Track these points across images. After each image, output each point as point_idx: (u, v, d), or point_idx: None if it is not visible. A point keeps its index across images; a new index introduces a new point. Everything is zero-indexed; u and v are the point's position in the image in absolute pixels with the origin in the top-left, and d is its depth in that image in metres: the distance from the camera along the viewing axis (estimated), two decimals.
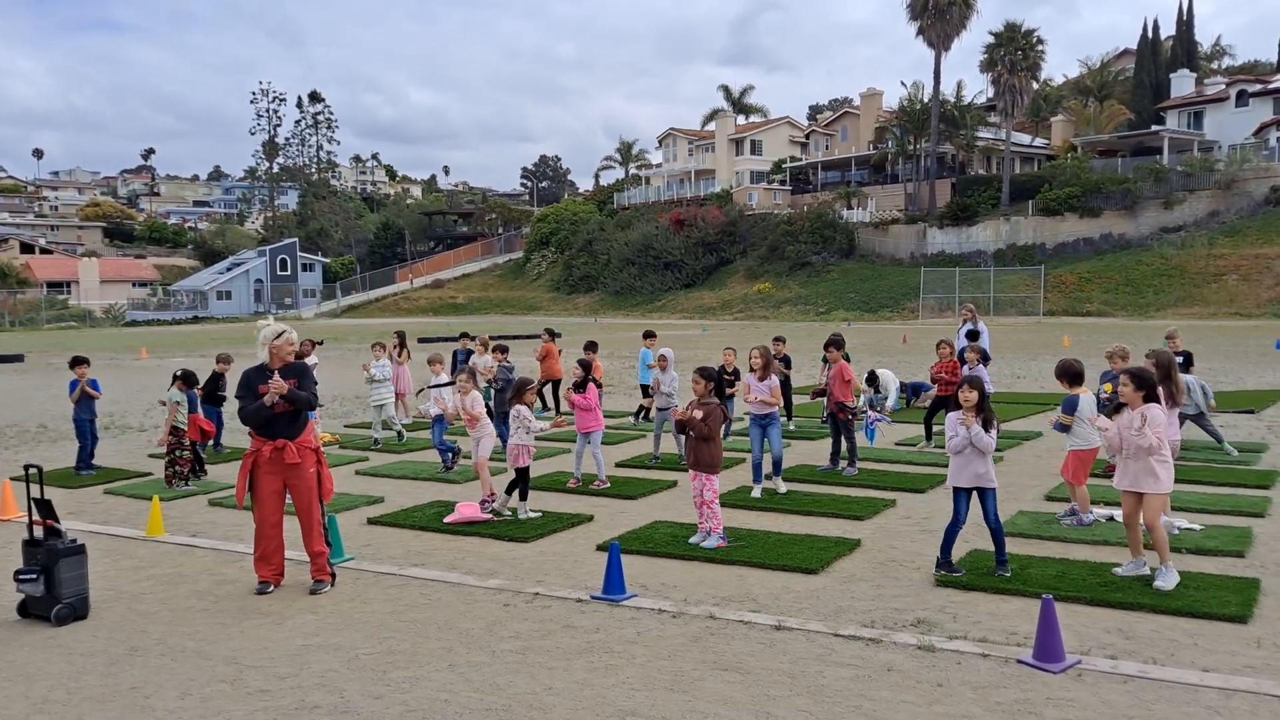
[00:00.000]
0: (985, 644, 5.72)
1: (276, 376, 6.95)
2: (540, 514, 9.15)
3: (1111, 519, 8.57)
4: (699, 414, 8.01)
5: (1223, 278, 49.29)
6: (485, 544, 8.34)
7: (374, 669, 5.55)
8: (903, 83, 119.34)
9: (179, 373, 11.39)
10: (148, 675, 5.52)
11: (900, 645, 5.74)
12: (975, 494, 7.03)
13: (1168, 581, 6.57)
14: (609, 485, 10.48)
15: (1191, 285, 49.73)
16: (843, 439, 11.02)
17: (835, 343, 11.38)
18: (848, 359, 11.69)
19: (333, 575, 7.17)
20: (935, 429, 12.53)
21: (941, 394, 12.31)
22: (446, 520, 8.98)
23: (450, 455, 11.63)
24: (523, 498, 9.14)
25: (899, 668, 5.41)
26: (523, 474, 9.09)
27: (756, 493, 9.82)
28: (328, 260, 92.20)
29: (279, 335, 7.15)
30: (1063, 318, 48.83)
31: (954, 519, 7.07)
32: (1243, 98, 62.19)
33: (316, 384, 7.44)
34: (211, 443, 12.78)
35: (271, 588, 7.12)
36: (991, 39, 60.60)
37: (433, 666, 5.56)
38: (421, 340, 38.65)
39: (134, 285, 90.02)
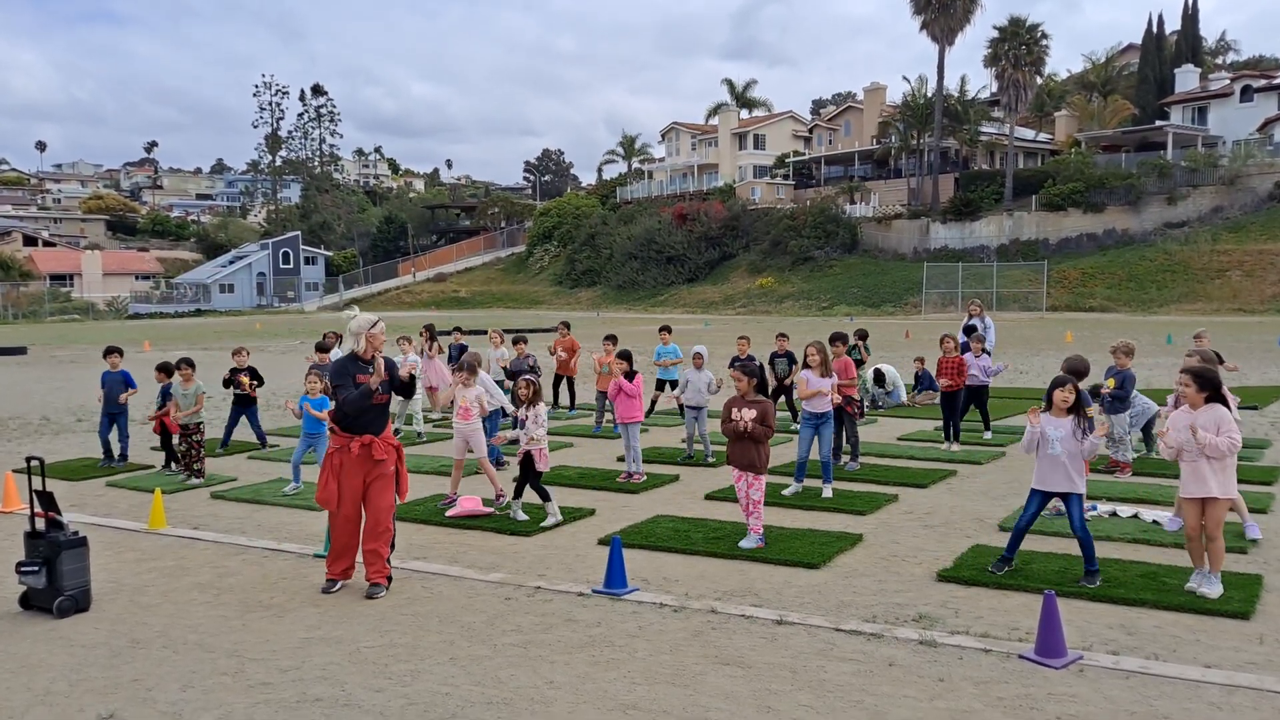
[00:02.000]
0: (987, 639, 5.72)
1: (379, 361, 6.77)
2: (528, 518, 8.76)
3: (1114, 514, 8.56)
4: (752, 413, 7.66)
5: (1226, 274, 49.19)
6: (486, 538, 8.34)
7: (375, 662, 5.55)
8: (905, 78, 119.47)
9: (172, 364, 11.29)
10: (149, 667, 5.53)
11: (902, 640, 5.74)
12: (1059, 498, 6.80)
13: (1213, 589, 6.29)
14: (645, 479, 10.41)
15: (1195, 281, 49.64)
16: (845, 433, 11.00)
17: (840, 337, 11.38)
18: (868, 351, 11.83)
19: (389, 578, 6.91)
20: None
21: (946, 390, 12.23)
22: (448, 514, 8.97)
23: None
24: (516, 495, 8.86)
25: (900, 663, 5.40)
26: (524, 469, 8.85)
27: (791, 490, 9.69)
28: (330, 254, 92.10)
29: (374, 325, 6.92)
30: (1066, 313, 48.77)
31: (1025, 518, 6.88)
32: (1247, 93, 61.98)
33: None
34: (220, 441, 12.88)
35: (339, 585, 6.90)
36: (995, 33, 60.42)
37: (434, 660, 5.57)
38: None
39: (136, 278, 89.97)
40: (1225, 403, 6.47)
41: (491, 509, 9.08)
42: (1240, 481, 9.85)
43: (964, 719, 4.70)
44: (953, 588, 6.73)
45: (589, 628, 6.05)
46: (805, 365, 9.86)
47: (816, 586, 6.82)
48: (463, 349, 15.67)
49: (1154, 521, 8.23)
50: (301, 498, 9.80)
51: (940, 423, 12.55)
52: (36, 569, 6.37)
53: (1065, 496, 6.73)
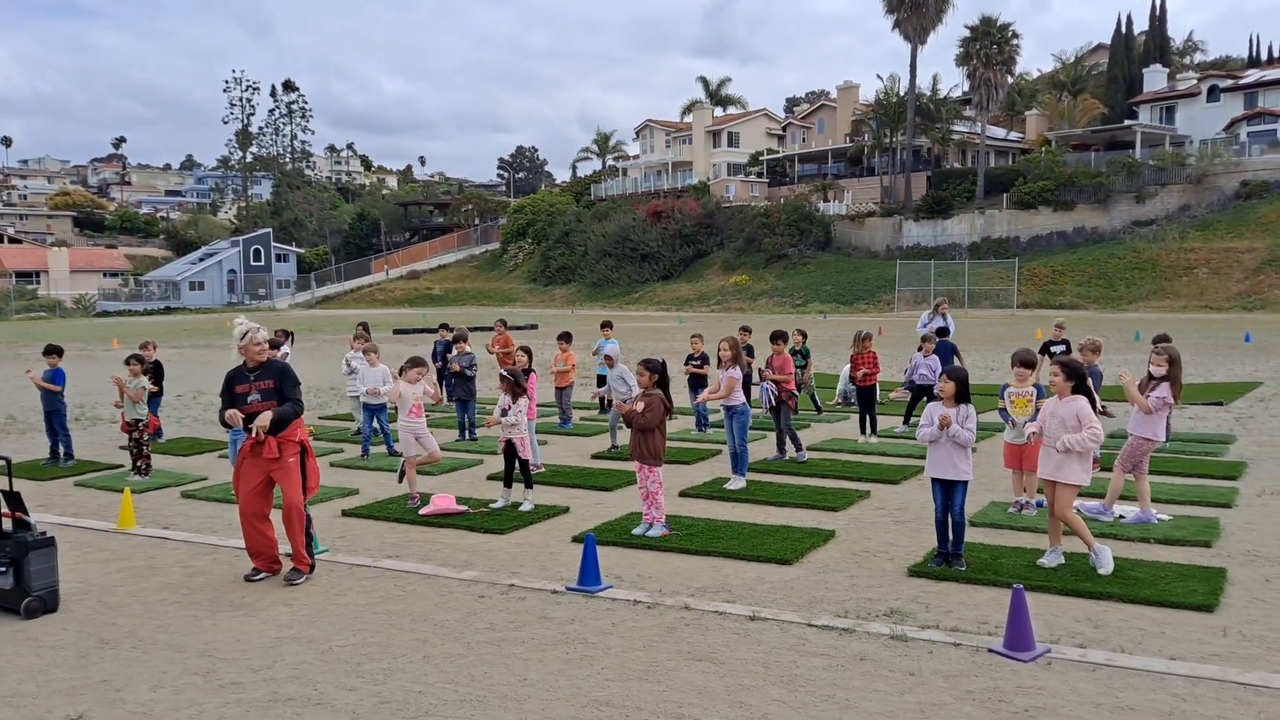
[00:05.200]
0: (957, 633, 5.78)
1: (260, 421, 6.89)
2: (513, 505, 9.14)
3: (1078, 510, 8.65)
4: (640, 406, 7.98)
5: (1193, 271, 49.86)
6: (460, 536, 8.32)
7: (348, 661, 5.53)
8: (879, 76, 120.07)
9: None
10: (119, 668, 5.48)
11: (873, 635, 5.79)
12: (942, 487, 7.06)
13: (1105, 564, 6.75)
14: (543, 469, 10.76)
15: (1163, 278, 50.28)
16: (779, 424, 11.22)
17: (779, 335, 11.56)
18: (803, 352, 13.45)
19: (311, 567, 7.18)
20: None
21: (862, 385, 12.74)
22: (422, 512, 8.95)
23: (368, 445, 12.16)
24: (508, 484, 9.24)
25: (872, 657, 5.45)
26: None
27: (734, 485, 9.83)
28: (302, 251, 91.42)
29: (244, 335, 7.12)
30: (1036, 310, 49.23)
31: (936, 511, 7.10)
32: (1214, 93, 62.86)
33: (298, 384, 7.29)
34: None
35: (262, 575, 7.16)
36: (967, 32, 60.90)
37: (407, 658, 5.55)
38: (397, 331, 38.47)
39: (105, 275, 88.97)
40: (1090, 395, 6.91)
41: (465, 507, 9.07)
42: (1206, 476, 10.08)
43: (934, 712, 4.76)
44: (923, 583, 6.80)
45: (563, 625, 6.06)
46: (720, 364, 10.08)
47: (789, 582, 6.86)
48: (447, 346, 15.63)
49: (1119, 517, 8.34)
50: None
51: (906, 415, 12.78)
52: (3, 570, 6.30)
53: (951, 484, 7.02)
